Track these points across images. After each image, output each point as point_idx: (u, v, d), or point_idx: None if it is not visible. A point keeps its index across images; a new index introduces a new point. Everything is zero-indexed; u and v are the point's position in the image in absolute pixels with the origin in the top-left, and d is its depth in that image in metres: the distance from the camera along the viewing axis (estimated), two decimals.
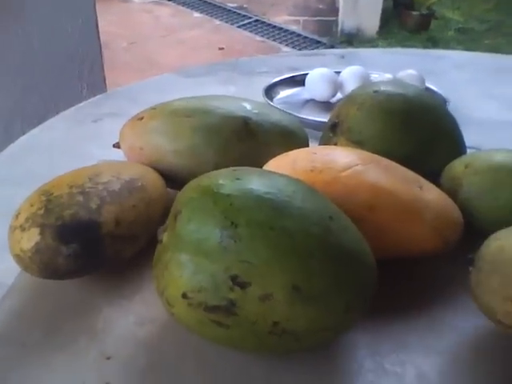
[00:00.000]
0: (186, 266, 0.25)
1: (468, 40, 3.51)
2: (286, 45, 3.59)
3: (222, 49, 3.43)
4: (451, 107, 0.64)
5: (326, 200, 0.28)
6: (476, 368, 0.29)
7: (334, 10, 4.09)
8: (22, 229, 0.31)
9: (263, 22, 4.12)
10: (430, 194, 0.36)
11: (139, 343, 0.31)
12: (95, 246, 0.31)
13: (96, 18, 0.96)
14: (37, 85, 0.93)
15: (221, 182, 0.26)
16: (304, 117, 0.59)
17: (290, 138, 0.43)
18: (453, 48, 2.94)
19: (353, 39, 3.54)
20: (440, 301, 0.34)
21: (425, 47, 2.85)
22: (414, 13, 3.53)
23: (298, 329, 0.25)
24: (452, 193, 0.38)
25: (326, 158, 0.36)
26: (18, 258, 0.31)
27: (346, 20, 3.87)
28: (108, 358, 0.29)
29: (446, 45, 3.28)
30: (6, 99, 0.89)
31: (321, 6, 4.41)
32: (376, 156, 0.37)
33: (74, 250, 0.31)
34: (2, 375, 0.29)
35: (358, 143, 0.41)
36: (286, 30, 3.96)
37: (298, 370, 0.29)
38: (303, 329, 0.25)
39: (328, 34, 3.78)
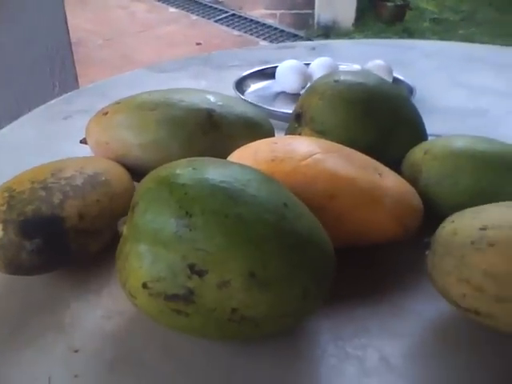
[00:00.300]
0: (145, 256, 0.26)
1: (442, 30, 3.54)
2: (264, 39, 3.59)
3: (200, 44, 3.41)
4: (418, 96, 0.65)
5: (281, 188, 0.29)
6: (437, 351, 0.30)
7: (310, 3, 4.09)
8: None
9: (240, 16, 4.11)
10: (390, 181, 0.37)
11: (107, 336, 0.31)
12: (59, 240, 0.32)
13: (65, 14, 0.96)
14: (8, 84, 0.92)
15: (177, 171, 0.27)
16: (274, 109, 0.59)
17: (255, 129, 0.43)
18: (428, 38, 2.97)
19: (329, 32, 3.55)
20: (401, 286, 0.35)
21: (400, 38, 2.88)
22: (389, 4, 3.55)
23: (256, 315, 0.26)
24: (412, 179, 0.39)
25: (286, 148, 0.36)
26: None
27: (322, 13, 3.88)
28: (76, 351, 0.30)
29: (421, 35, 3.31)
30: None
31: None
32: (336, 145, 0.38)
33: (37, 245, 0.31)
34: None
35: (321, 133, 0.42)
36: (263, 24, 3.96)
37: (262, 357, 0.30)
38: (262, 315, 0.26)
39: (305, 27, 3.79)
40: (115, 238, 0.31)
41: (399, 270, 0.36)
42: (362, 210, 0.35)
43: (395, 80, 0.68)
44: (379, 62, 0.69)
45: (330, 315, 0.32)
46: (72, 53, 0.96)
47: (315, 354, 0.30)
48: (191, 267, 0.25)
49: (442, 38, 3.09)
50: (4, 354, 0.30)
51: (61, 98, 0.74)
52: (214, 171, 0.27)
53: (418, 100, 0.65)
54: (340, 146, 0.38)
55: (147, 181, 0.28)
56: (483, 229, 0.28)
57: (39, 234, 0.31)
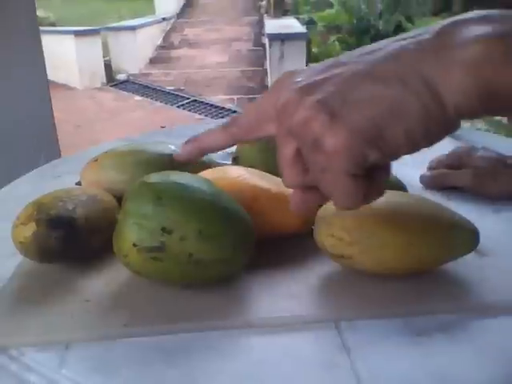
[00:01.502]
0: (133, 226, 0.42)
1: None
2: None
3: (164, 127, 3.66)
4: None
5: (217, 187, 0.46)
6: (325, 286, 0.47)
7: (265, 88, 4.46)
8: (24, 224, 0.47)
9: (201, 102, 4.43)
10: None
11: (106, 293, 0.47)
12: (73, 232, 0.48)
13: (49, 97, 1.14)
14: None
15: (151, 177, 0.44)
16: (222, 162, 0.77)
17: (204, 166, 0.61)
18: None
19: None
20: (303, 256, 0.51)
21: None
22: None
23: (204, 258, 0.42)
24: None
25: (225, 172, 0.54)
26: (21, 245, 0.47)
27: None
28: (87, 301, 0.45)
29: None
30: None
31: (252, 85, 4.80)
32: (258, 171, 0.56)
33: (60, 235, 0.47)
34: (17, 318, 0.44)
35: (250, 167, 0.60)
36: (223, 108, 4.28)
37: (212, 294, 0.45)
38: (208, 258, 0.42)
39: None
40: (108, 242, 0.47)
41: (303, 248, 0.52)
42: (275, 208, 0.52)
43: None
44: None
45: (255, 276, 0.48)
46: (56, 130, 1.14)
47: (244, 291, 0.46)
48: (163, 229, 0.42)
49: None
50: (39, 305, 0.45)
51: (48, 164, 0.90)
52: (173, 175, 0.45)
53: None
54: (260, 171, 0.56)
55: (132, 186, 0.45)
56: None
57: (61, 227, 0.47)
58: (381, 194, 0.36)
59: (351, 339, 0.41)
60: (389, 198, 0.46)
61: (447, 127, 0.31)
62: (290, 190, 0.55)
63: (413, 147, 0.32)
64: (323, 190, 0.35)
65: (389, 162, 0.35)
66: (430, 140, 0.32)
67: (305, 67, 0.36)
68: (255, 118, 0.40)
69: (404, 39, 0.32)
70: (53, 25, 7.78)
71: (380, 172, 0.34)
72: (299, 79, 0.34)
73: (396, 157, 0.33)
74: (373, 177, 0.34)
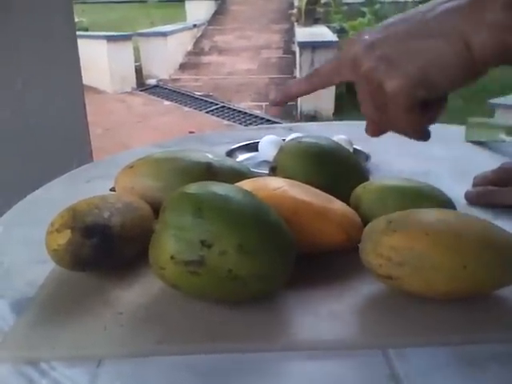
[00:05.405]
0: (172, 238, 0.40)
1: None
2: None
3: (193, 132, 3.67)
4: (374, 162, 0.81)
5: (257, 198, 0.44)
6: (367, 308, 0.44)
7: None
8: (58, 231, 0.45)
9: (229, 108, 4.42)
10: (337, 205, 0.52)
11: (140, 305, 0.45)
12: (108, 241, 0.46)
13: (84, 100, 1.14)
14: (34, 161, 1.09)
15: (191, 187, 0.42)
16: (258, 171, 0.75)
17: (241, 176, 0.59)
18: None
19: (311, 121, 3.85)
20: (346, 274, 0.49)
21: None
22: None
23: (243, 274, 0.40)
24: (356, 207, 0.54)
25: (264, 183, 0.52)
26: (55, 252, 0.46)
27: (304, 104, 4.21)
28: (120, 313, 0.43)
29: None
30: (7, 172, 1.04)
31: None
32: (297, 182, 0.53)
33: (94, 243, 0.45)
34: (48, 329, 0.42)
35: (289, 178, 0.58)
36: (251, 115, 4.26)
37: (249, 316, 0.43)
38: (247, 274, 0.40)
39: (289, 117, 4.10)
40: (142, 251, 0.45)
41: (347, 265, 0.50)
42: (317, 222, 0.49)
43: (355, 150, 0.85)
44: (342, 136, 0.86)
45: (295, 293, 0.46)
46: (88, 133, 1.14)
47: (284, 310, 0.44)
48: (202, 242, 0.40)
49: None
50: (70, 316, 0.43)
51: (80, 168, 0.89)
52: (213, 186, 0.43)
53: (373, 165, 0.81)
54: (299, 182, 0.54)
55: (171, 196, 0.43)
56: (390, 222, 0.43)
57: (95, 235, 0.45)
58: (431, 122, 0.47)
59: (400, 368, 0.38)
60: (440, 216, 0.43)
61: (476, 73, 0.41)
62: (332, 204, 0.52)
63: (451, 87, 0.42)
64: (388, 122, 0.47)
65: (442, 100, 0.46)
66: (464, 82, 0.42)
67: (369, 28, 0.48)
68: (335, 67, 0.50)
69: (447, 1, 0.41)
70: (86, 29, 7.92)
71: (433, 107, 0.45)
72: (366, 37, 0.46)
73: (438, 94, 0.43)
74: (428, 110, 0.45)
